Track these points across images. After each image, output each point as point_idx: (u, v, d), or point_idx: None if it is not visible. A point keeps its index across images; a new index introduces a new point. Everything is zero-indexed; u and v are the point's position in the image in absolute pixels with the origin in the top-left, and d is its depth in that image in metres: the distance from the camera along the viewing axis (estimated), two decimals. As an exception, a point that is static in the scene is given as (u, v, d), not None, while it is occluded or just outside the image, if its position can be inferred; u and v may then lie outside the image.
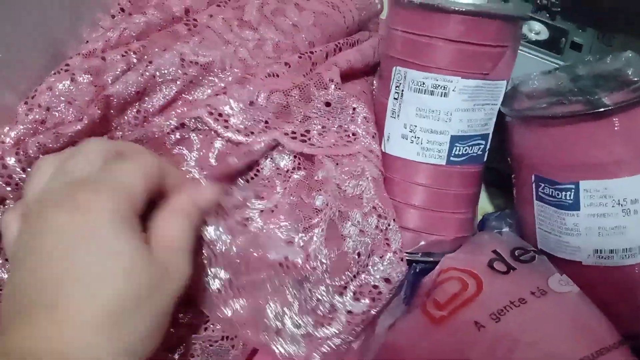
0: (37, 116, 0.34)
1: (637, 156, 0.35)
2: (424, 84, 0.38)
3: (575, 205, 0.37)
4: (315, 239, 0.35)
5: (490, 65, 0.38)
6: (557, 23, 0.51)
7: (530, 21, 0.51)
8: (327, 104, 0.38)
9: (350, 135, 0.39)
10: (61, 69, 0.35)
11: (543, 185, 0.38)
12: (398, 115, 0.40)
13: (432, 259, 0.41)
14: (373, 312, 0.36)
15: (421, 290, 0.38)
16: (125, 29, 0.37)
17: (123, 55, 0.36)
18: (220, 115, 0.35)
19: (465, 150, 0.40)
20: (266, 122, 0.36)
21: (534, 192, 0.39)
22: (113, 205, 0.26)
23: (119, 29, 0.37)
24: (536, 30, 0.51)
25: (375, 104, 0.43)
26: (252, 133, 0.35)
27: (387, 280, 0.36)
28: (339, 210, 0.36)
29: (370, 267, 0.36)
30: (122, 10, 0.40)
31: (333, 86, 0.38)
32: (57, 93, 0.34)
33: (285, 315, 0.35)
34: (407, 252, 0.41)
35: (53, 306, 0.25)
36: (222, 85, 0.37)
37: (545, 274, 0.37)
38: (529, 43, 0.50)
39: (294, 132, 0.37)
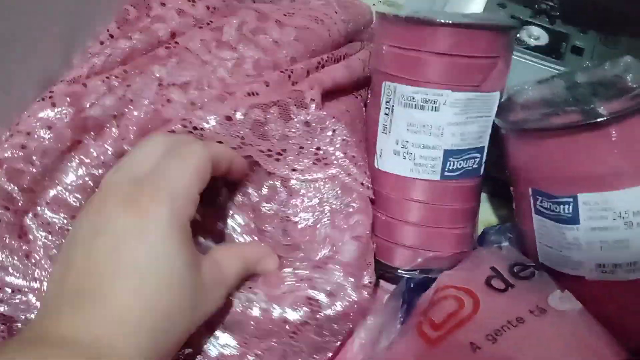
0: (17, 140, 0.34)
1: (638, 167, 0.34)
2: (414, 98, 0.37)
3: (574, 219, 0.35)
4: None
5: (481, 77, 0.37)
6: (557, 27, 0.50)
7: (529, 26, 0.50)
8: (307, 124, 0.38)
9: (328, 157, 0.38)
10: (45, 96, 0.35)
11: (541, 198, 0.37)
12: (389, 131, 0.39)
13: (429, 275, 0.40)
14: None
15: (417, 309, 0.37)
16: (110, 55, 0.37)
17: (104, 81, 0.36)
18: (195, 128, 0.35)
19: (459, 165, 0.39)
20: (242, 138, 0.36)
21: (532, 206, 0.38)
22: (171, 212, 0.28)
23: (104, 55, 0.37)
24: (535, 35, 0.49)
25: (367, 119, 0.42)
26: None
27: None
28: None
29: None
30: (111, 36, 0.40)
31: (313, 105, 0.37)
32: (38, 118, 0.35)
33: None
34: (404, 270, 0.41)
35: (99, 300, 0.26)
36: (199, 103, 0.37)
37: (545, 291, 0.36)
38: (528, 49, 0.48)
39: (269, 150, 0.36)
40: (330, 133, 0.38)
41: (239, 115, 0.36)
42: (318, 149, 0.38)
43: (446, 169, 0.39)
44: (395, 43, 0.38)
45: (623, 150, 0.33)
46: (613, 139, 0.33)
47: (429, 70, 0.37)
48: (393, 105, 0.39)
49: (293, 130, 0.37)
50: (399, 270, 0.41)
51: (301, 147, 0.37)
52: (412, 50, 0.37)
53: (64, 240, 0.34)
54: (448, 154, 0.38)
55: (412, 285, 0.38)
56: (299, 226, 0.38)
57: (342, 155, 0.38)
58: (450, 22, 0.35)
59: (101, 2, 0.40)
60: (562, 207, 0.36)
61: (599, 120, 0.33)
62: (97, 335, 0.25)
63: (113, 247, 0.27)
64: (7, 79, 0.34)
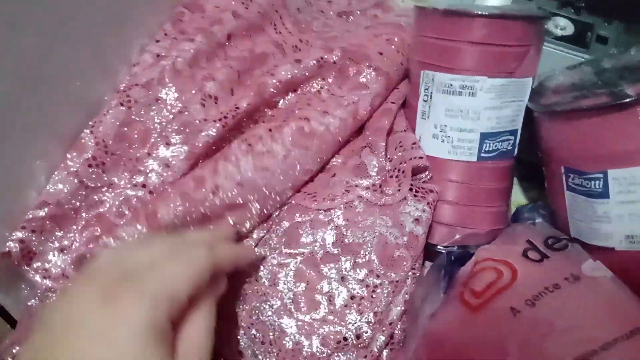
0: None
1: (663, 144, 0.36)
2: (452, 85, 0.40)
3: (605, 194, 0.38)
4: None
5: (515, 64, 0.40)
6: (582, 18, 0.53)
7: (555, 17, 0.52)
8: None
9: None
10: (123, 101, 0.39)
11: (573, 176, 0.40)
12: (428, 117, 0.42)
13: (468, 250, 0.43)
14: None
15: (458, 280, 0.40)
16: (177, 57, 0.41)
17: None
18: None
19: (495, 147, 0.42)
20: None
21: (565, 183, 0.40)
22: (148, 313, 0.26)
23: (171, 58, 0.41)
24: (562, 25, 0.52)
25: (405, 108, 0.45)
26: None
27: (358, 337, 0.37)
28: (326, 252, 0.39)
29: (347, 318, 0.38)
30: (166, 34, 0.44)
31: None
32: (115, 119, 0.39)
33: None
34: (443, 246, 0.43)
35: None
36: None
37: (578, 261, 0.38)
38: (555, 39, 0.51)
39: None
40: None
41: None
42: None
43: (482, 151, 0.42)
44: (433, 34, 0.41)
45: (650, 129, 0.36)
46: (640, 117, 0.36)
47: (466, 58, 0.40)
48: (432, 92, 0.42)
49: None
50: (438, 247, 0.44)
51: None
52: (450, 41, 0.40)
53: None
54: (484, 136, 0.41)
55: (452, 259, 0.41)
56: None
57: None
58: (485, 13, 0.38)
59: (155, 2, 0.44)
60: (593, 182, 0.38)
61: (627, 100, 0.35)
62: None
63: (81, 343, 0.25)
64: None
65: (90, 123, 0.39)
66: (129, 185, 0.38)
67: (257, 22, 0.45)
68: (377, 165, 0.41)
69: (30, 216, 0.35)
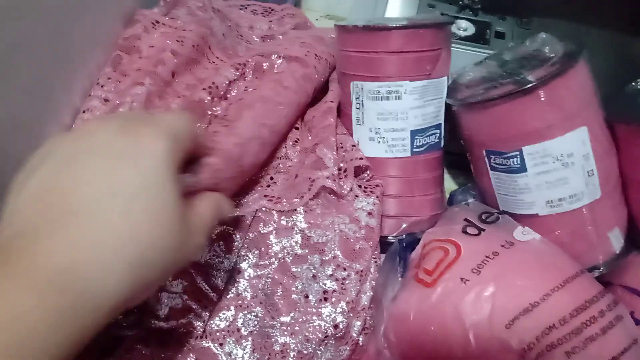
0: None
1: (564, 118, 0.42)
2: (379, 92, 0.45)
3: (523, 168, 0.44)
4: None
5: (431, 67, 0.45)
6: (480, 18, 0.60)
7: (457, 20, 0.59)
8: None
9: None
10: None
11: (493, 157, 0.45)
12: (363, 122, 0.47)
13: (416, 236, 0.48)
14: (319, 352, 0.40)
15: (411, 264, 0.45)
16: (133, 102, 0.43)
17: None
18: None
19: (424, 141, 0.47)
20: None
21: (488, 164, 0.46)
22: (167, 147, 0.26)
23: (127, 104, 0.43)
24: (463, 27, 0.58)
25: (341, 117, 0.50)
26: None
27: (335, 327, 0.41)
28: (295, 254, 0.43)
29: (322, 311, 0.41)
30: (109, 78, 0.46)
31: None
32: None
33: None
34: (393, 236, 0.48)
35: (84, 219, 0.23)
36: None
37: (510, 229, 0.44)
38: (460, 39, 0.57)
39: None
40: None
41: None
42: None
43: (414, 146, 0.47)
44: (356, 48, 0.46)
45: (551, 107, 0.42)
46: (542, 99, 0.41)
47: (388, 66, 0.45)
48: (363, 100, 0.46)
49: None
50: (389, 237, 0.48)
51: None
52: (372, 52, 0.45)
53: None
54: (414, 133, 0.46)
55: (404, 245, 0.46)
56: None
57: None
58: (400, 25, 0.43)
59: (95, 49, 0.46)
60: (511, 160, 0.44)
61: (529, 86, 0.41)
62: (74, 259, 0.22)
63: (105, 168, 0.25)
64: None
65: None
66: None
67: (193, 56, 0.48)
68: (332, 157, 0.45)
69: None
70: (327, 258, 0.42)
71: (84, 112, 0.43)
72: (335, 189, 0.44)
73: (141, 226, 0.24)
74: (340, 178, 0.45)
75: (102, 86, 0.45)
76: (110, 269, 0.23)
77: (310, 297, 0.41)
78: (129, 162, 0.25)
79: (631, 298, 0.45)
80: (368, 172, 0.47)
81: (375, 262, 0.44)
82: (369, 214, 0.44)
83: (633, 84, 0.49)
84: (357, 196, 0.45)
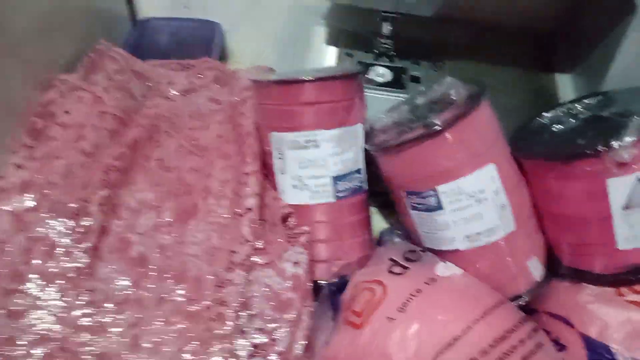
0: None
1: (471, 156, 0.44)
2: (297, 141, 0.47)
3: (439, 206, 0.45)
4: None
5: (345, 115, 0.47)
6: (396, 64, 0.63)
7: (374, 67, 0.61)
8: None
9: None
10: None
11: (412, 197, 0.47)
12: (285, 171, 0.48)
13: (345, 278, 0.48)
14: None
15: (342, 306, 0.46)
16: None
17: None
18: None
19: (347, 186, 0.49)
20: None
21: (409, 204, 0.48)
22: None
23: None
24: (381, 73, 0.61)
25: (265, 166, 0.51)
26: None
27: None
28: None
29: None
30: (24, 145, 0.45)
31: None
32: None
33: None
34: (324, 280, 0.49)
35: None
36: None
37: (432, 266, 0.45)
38: (378, 85, 0.60)
39: None
40: None
41: None
42: None
43: (337, 191, 0.48)
44: (272, 101, 0.47)
45: (458, 147, 0.44)
46: (449, 140, 0.44)
47: (303, 117, 0.46)
48: (283, 150, 0.48)
49: None
50: (319, 282, 0.49)
51: None
52: (288, 105, 0.46)
53: None
54: (336, 179, 0.48)
55: (334, 288, 0.47)
56: None
57: None
58: (311, 78, 0.45)
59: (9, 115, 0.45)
60: (428, 199, 0.46)
61: (435, 129, 0.43)
62: None
63: None
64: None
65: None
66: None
67: (114, 127, 0.48)
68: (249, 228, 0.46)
69: None
70: (254, 312, 0.43)
71: (-1, 179, 0.43)
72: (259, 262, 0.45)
73: None
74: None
75: (15, 152, 0.45)
76: None
77: (239, 352, 0.41)
78: None
79: (555, 324, 0.46)
80: (293, 219, 0.48)
81: (308, 309, 0.45)
82: (296, 263, 0.45)
83: (538, 118, 0.52)
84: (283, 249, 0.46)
